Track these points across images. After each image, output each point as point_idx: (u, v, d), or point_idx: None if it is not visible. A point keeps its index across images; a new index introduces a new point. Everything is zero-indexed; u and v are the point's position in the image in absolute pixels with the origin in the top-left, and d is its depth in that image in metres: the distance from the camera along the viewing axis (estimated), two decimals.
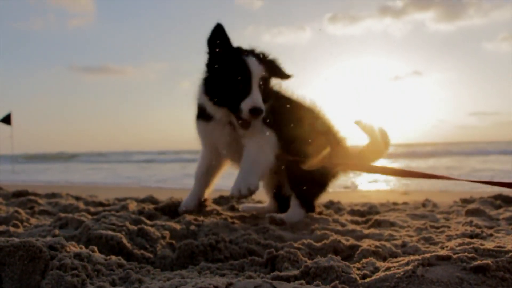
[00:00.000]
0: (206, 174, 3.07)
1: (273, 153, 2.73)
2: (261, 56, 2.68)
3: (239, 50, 2.66)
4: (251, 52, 2.66)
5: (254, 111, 2.49)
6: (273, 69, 2.72)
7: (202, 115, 2.83)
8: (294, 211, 2.86)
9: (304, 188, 2.84)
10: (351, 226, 2.71)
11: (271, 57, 2.74)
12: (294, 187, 2.88)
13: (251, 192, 2.57)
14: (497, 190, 4.85)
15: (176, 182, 10.27)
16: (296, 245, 2.10)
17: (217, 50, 2.62)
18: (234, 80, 2.55)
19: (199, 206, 3.08)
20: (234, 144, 2.80)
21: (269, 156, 2.72)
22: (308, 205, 2.93)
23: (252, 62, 2.57)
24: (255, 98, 2.51)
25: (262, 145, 2.71)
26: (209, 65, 2.70)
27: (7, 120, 14.35)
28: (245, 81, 2.54)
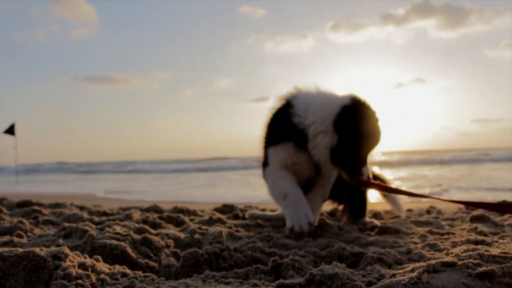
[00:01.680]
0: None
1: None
2: None
3: (375, 117, 2.63)
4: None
5: (369, 179, 2.67)
6: None
7: (298, 140, 2.65)
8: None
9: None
10: (355, 234, 2.70)
11: None
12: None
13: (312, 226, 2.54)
14: (501, 196, 4.83)
15: (180, 192, 10.25)
16: (301, 252, 2.09)
17: (356, 116, 2.55)
18: (368, 149, 2.64)
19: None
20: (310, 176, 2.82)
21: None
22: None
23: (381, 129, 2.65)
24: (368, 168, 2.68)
25: (329, 185, 2.89)
26: (344, 129, 2.53)
27: (11, 130, 14.42)
28: (372, 150, 2.67)
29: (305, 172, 2.75)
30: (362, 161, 2.64)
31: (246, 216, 3.34)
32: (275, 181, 2.70)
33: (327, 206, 3.70)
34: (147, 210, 3.84)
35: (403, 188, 2.83)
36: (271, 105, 2.87)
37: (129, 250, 2.07)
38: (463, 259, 1.55)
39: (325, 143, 2.56)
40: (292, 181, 2.66)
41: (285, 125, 2.67)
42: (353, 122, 2.52)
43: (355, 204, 3.27)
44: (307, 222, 2.46)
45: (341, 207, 3.40)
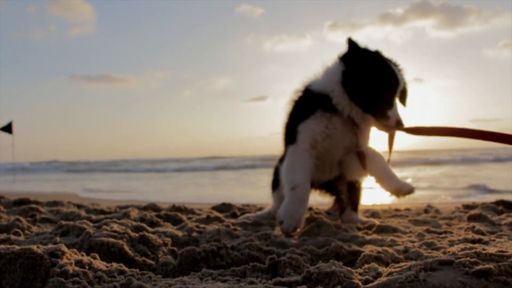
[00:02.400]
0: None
1: None
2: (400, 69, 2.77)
3: (384, 58, 2.71)
4: (394, 63, 2.73)
5: (399, 123, 2.63)
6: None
7: (324, 105, 2.71)
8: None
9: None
10: (353, 232, 2.70)
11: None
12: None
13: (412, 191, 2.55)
14: (499, 196, 4.84)
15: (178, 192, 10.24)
16: (298, 251, 2.09)
17: (362, 51, 2.67)
18: (384, 88, 2.62)
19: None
20: (349, 148, 2.81)
21: None
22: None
23: (399, 73, 2.69)
24: (398, 111, 2.66)
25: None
26: (353, 65, 2.67)
27: (8, 129, 14.38)
28: (392, 91, 2.65)
29: (338, 145, 2.75)
30: (383, 101, 2.63)
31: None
32: (293, 166, 2.68)
33: (325, 206, 3.70)
34: (145, 208, 3.83)
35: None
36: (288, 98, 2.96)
37: (126, 248, 2.07)
38: (460, 258, 1.55)
39: (337, 78, 2.67)
40: (308, 174, 2.66)
41: (309, 100, 2.77)
42: (359, 55, 2.65)
43: (352, 198, 3.30)
44: (294, 226, 2.50)
45: (333, 198, 3.42)
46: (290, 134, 2.79)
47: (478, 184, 8.76)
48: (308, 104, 2.76)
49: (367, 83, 2.60)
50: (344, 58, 2.70)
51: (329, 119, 2.70)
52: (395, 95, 2.66)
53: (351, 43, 2.67)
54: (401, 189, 2.51)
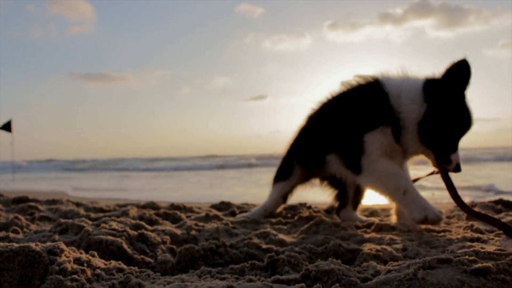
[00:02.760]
0: None
1: None
2: None
3: (465, 95, 2.56)
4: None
5: (458, 169, 2.55)
6: None
7: (393, 123, 2.61)
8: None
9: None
10: (352, 231, 2.70)
11: None
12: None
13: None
14: (498, 195, 4.85)
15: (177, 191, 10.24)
16: (297, 249, 2.09)
17: (452, 93, 2.51)
18: (460, 132, 2.54)
19: None
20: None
21: None
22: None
23: (472, 118, 2.55)
24: (459, 154, 2.56)
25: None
26: (437, 101, 2.52)
27: (7, 127, 14.36)
28: (463, 134, 2.56)
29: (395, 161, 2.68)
30: (452, 144, 2.54)
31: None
32: (387, 175, 2.62)
33: (324, 205, 3.71)
34: (144, 207, 3.83)
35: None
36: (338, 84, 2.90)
37: (125, 246, 2.07)
38: (458, 256, 1.55)
39: (415, 114, 2.53)
40: (404, 175, 2.62)
41: (382, 109, 2.62)
42: (444, 92, 2.49)
43: (357, 197, 3.29)
44: (439, 211, 2.49)
45: (335, 193, 3.38)
46: (352, 140, 2.72)
47: (483, 185, 8.69)
48: (380, 114, 2.64)
49: (446, 124, 2.50)
50: (428, 86, 2.55)
51: (393, 141, 2.63)
52: (460, 138, 2.58)
53: (463, 66, 2.50)
54: (426, 217, 2.48)
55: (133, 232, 2.26)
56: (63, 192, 9.52)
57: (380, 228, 2.82)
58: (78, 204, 4.21)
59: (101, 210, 3.77)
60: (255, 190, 9.51)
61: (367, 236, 2.51)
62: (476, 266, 1.44)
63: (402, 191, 2.56)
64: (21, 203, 3.91)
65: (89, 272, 1.60)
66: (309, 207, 3.88)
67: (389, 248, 2.08)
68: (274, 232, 2.51)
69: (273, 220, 3.21)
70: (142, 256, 2.06)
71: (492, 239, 2.22)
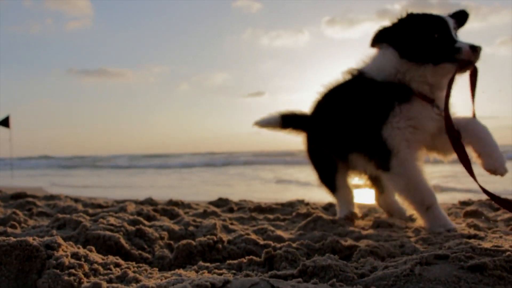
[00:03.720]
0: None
1: None
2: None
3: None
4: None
5: (474, 47, 2.39)
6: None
7: (396, 94, 2.53)
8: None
9: None
10: (349, 227, 2.71)
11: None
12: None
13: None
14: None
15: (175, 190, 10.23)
16: (294, 245, 2.09)
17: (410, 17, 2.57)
18: (435, 32, 2.48)
19: None
20: (437, 131, 2.59)
21: None
22: None
23: (443, 16, 2.55)
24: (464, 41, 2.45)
25: None
26: (403, 31, 2.56)
27: (5, 123, 14.30)
28: (445, 32, 2.48)
29: (426, 132, 2.56)
30: (443, 42, 2.47)
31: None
32: (415, 184, 2.54)
33: (322, 201, 3.71)
34: (142, 203, 3.84)
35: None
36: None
37: (122, 241, 2.07)
38: (455, 252, 1.55)
39: (391, 53, 2.57)
40: (431, 188, 2.55)
41: (376, 93, 2.59)
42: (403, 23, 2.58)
43: None
44: (455, 228, 2.46)
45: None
46: (373, 140, 2.61)
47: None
48: (379, 99, 2.58)
49: (417, 36, 2.50)
50: (388, 33, 2.61)
51: (408, 108, 2.52)
52: (450, 31, 2.50)
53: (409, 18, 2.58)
54: (496, 170, 2.43)
55: (131, 228, 2.26)
56: (38, 188, 9.51)
57: (378, 224, 2.82)
58: (76, 200, 4.21)
59: (99, 206, 3.77)
60: (253, 186, 9.51)
61: (364, 232, 2.51)
62: (473, 262, 1.45)
63: (426, 206, 2.54)
64: (19, 199, 3.91)
65: (86, 266, 1.60)
66: (307, 204, 3.89)
67: (386, 245, 2.08)
68: (271, 228, 2.51)
69: (271, 216, 3.22)
70: (140, 251, 2.06)
71: (489, 236, 2.22)
